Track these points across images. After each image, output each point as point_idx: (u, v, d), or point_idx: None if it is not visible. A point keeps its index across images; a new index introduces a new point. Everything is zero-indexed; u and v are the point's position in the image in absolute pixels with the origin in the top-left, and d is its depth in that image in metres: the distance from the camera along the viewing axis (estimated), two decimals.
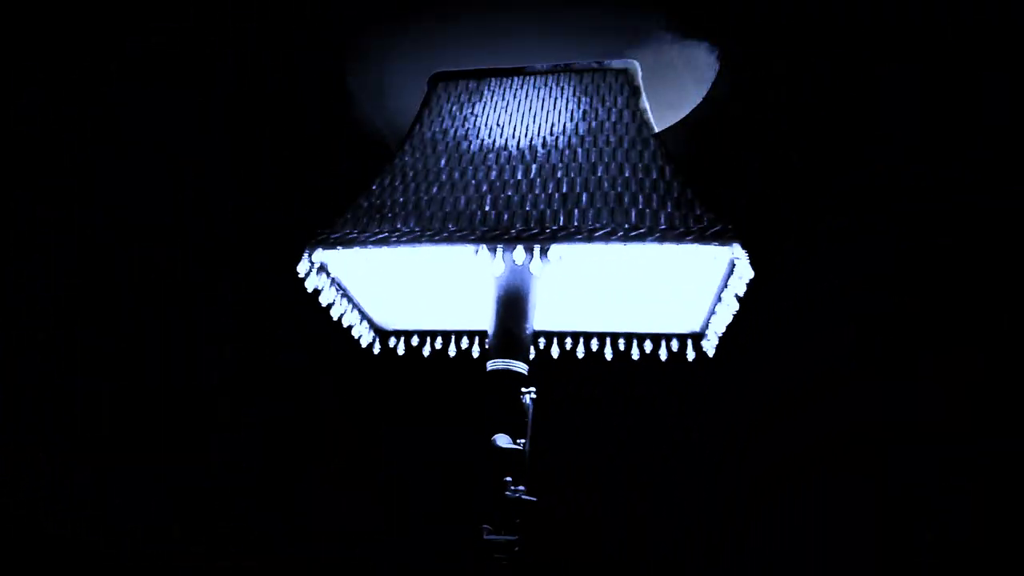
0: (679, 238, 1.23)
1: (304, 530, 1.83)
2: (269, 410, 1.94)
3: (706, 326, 1.56)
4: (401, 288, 1.64)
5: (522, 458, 1.29)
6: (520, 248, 1.27)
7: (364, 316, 1.66)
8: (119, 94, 2.01)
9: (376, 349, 1.73)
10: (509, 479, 1.27)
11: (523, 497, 1.26)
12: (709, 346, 1.57)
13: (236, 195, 2.00)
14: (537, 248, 1.28)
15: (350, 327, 1.62)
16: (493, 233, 1.29)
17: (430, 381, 1.82)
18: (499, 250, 1.31)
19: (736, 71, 1.70)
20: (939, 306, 1.73)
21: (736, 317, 1.42)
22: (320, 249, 1.36)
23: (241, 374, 1.97)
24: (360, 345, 1.68)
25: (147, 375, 1.93)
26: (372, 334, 1.71)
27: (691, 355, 1.60)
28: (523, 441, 1.30)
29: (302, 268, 1.37)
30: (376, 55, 1.83)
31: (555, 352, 1.67)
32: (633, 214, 1.28)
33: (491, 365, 1.36)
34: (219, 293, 2.01)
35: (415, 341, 1.74)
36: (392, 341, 1.75)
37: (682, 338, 1.62)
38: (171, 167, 2.02)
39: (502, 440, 1.29)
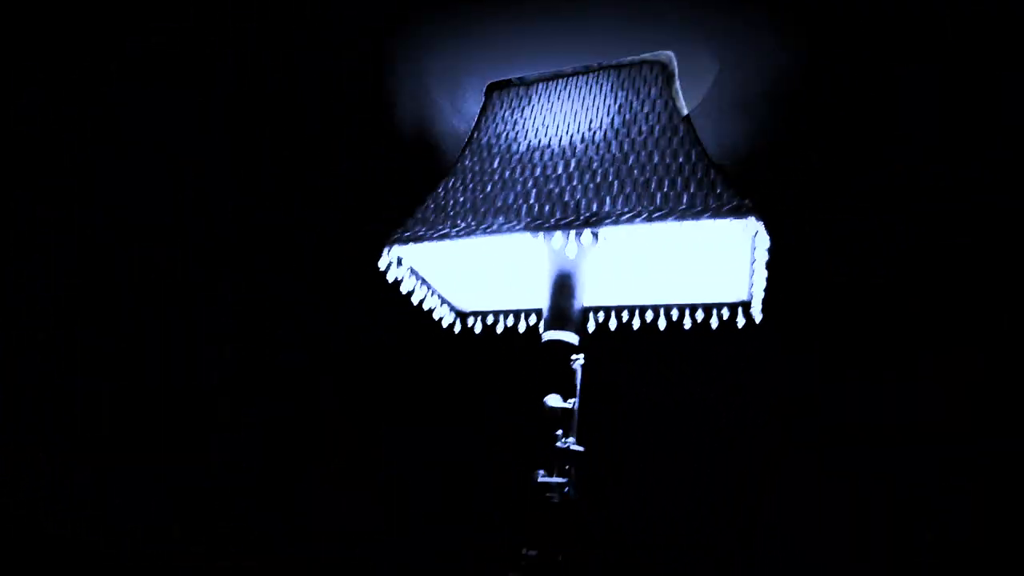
0: (697, 215, 1.37)
1: (304, 530, 1.83)
2: (269, 410, 1.92)
3: (751, 295, 1.68)
4: (478, 276, 1.87)
5: (571, 415, 1.49)
6: (558, 234, 1.46)
7: (444, 300, 1.91)
8: (119, 94, 1.98)
9: (456, 328, 1.98)
10: (560, 432, 1.47)
11: (572, 448, 1.46)
12: (756, 312, 1.69)
13: (236, 195, 2.03)
14: (572, 233, 1.46)
15: (432, 310, 1.88)
16: (535, 223, 1.48)
17: (431, 379, 1.95)
18: (541, 237, 1.50)
19: (754, 70, 1.78)
20: (940, 305, 1.72)
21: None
22: (396, 246, 1.62)
23: (241, 374, 1.97)
24: (442, 326, 1.94)
25: (147, 375, 1.89)
26: (453, 315, 1.96)
27: (741, 321, 1.72)
28: (573, 400, 1.50)
29: (383, 263, 1.63)
30: (406, 58, 1.94)
31: (612, 325, 1.84)
32: (659, 197, 1.43)
33: (545, 336, 1.56)
34: (219, 293, 2.01)
35: (490, 320, 1.97)
36: (471, 321, 1.98)
37: (732, 307, 1.74)
38: (171, 167, 2.01)
39: (553, 400, 1.50)
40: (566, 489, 1.44)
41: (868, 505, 1.67)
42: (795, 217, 1.91)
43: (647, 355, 1.92)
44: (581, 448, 1.48)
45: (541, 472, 1.45)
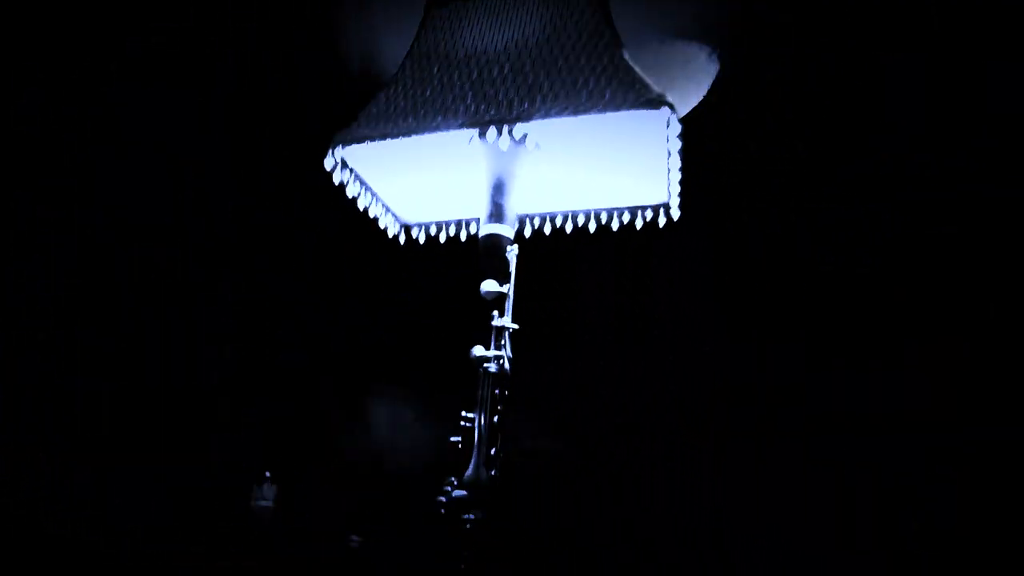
0: (616, 107, 1.51)
1: (304, 530, 1.84)
2: (269, 410, 1.97)
3: (670, 194, 1.84)
4: (419, 184, 1.98)
5: (506, 298, 1.62)
6: (492, 129, 1.59)
7: (388, 209, 2.02)
8: (119, 94, 2.01)
9: (401, 239, 2.09)
10: (495, 313, 1.61)
11: (507, 325, 1.60)
12: (674, 211, 1.85)
13: (236, 195, 2.10)
14: (506, 128, 1.58)
15: (376, 218, 1.98)
16: (471, 120, 1.60)
17: (433, 377, 2.03)
18: (475, 134, 1.62)
19: (740, 61, 1.83)
20: (926, 295, 1.75)
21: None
22: (340, 147, 1.71)
23: (241, 374, 2.01)
24: (387, 235, 2.04)
25: (147, 375, 1.91)
26: (398, 225, 2.07)
27: (663, 221, 1.88)
28: (508, 285, 1.63)
29: (328, 163, 1.72)
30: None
31: (547, 229, 1.98)
32: (584, 94, 1.56)
33: (482, 231, 1.68)
34: (219, 293, 2.05)
35: (433, 230, 2.08)
36: (415, 231, 2.10)
37: (655, 208, 1.90)
38: (171, 167, 2.06)
39: (489, 284, 1.63)
40: (502, 361, 1.58)
41: (854, 494, 1.68)
42: (780, 206, 1.94)
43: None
44: (515, 325, 1.62)
45: (480, 347, 1.59)
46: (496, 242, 1.67)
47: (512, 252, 1.66)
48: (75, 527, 1.75)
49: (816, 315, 1.88)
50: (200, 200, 2.05)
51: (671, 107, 1.50)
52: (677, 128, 1.53)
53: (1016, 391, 1.67)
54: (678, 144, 1.55)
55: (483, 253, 1.67)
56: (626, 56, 1.63)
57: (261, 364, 1.99)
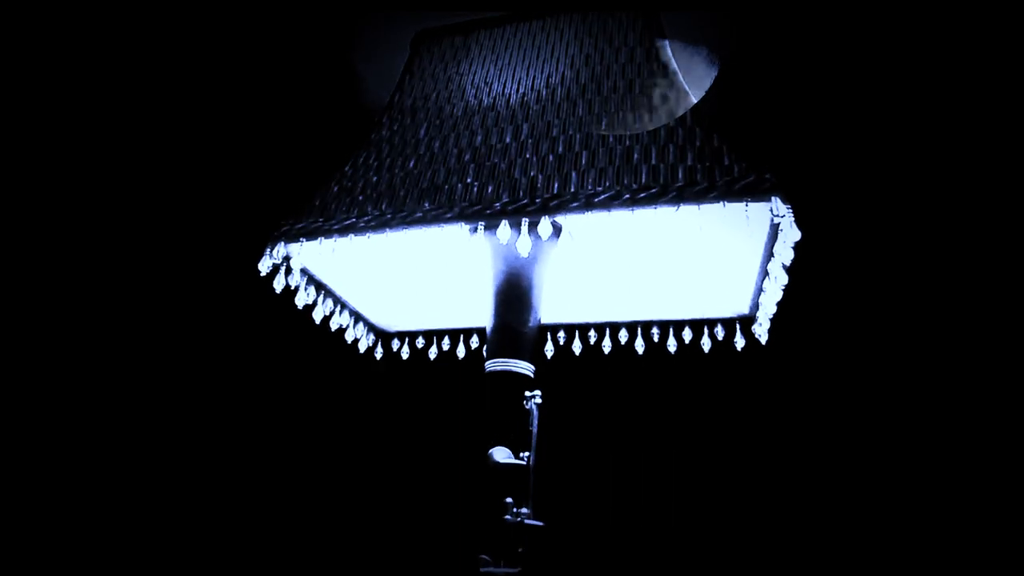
0: (700, 196, 0.99)
1: (304, 530, 1.78)
2: (269, 410, 1.85)
3: (756, 307, 1.32)
4: (403, 284, 1.47)
5: (525, 475, 1.09)
6: (505, 224, 1.07)
7: (359, 317, 1.50)
8: (119, 94, 1.90)
9: (378, 354, 1.57)
10: (510, 500, 1.07)
11: (527, 521, 1.07)
12: (761, 331, 1.33)
13: (236, 192, 1.84)
14: (525, 223, 1.07)
15: (342, 330, 1.46)
16: (474, 210, 1.09)
17: (434, 379, 1.64)
18: (481, 230, 1.11)
19: (729, 62, 1.44)
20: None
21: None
22: (283, 243, 1.20)
23: (241, 374, 1.86)
24: (358, 350, 1.52)
25: (146, 375, 1.86)
26: (371, 337, 1.55)
27: (740, 343, 1.36)
28: (527, 454, 1.10)
29: (264, 266, 1.21)
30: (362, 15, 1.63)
31: (577, 348, 1.46)
32: (644, 172, 1.05)
33: (489, 366, 1.16)
34: (217, 294, 1.90)
35: (420, 343, 1.56)
36: (395, 344, 1.58)
37: (728, 323, 1.38)
38: (170, 167, 1.88)
39: (501, 454, 1.10)
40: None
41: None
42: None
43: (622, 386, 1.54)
44: (539, 523, 1.08)
45: (484, 558, 1.05)
46: (509, 386, 1.15)
47: (534, 400, 1.13)
48: (75, 527, 1.74)
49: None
50: (199, 196, 1.89)
51: (785, 199, 0.99)
52: (791, 231, 1.02)
53: None
54: (793, 235, 1.03)
55: (491, 402, 1.14)
56: (706, 113, 1.12)
57: (261, 363, 1.86)
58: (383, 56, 1.57)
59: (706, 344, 1.38)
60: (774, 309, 1.25)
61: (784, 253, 1.06)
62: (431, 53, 1.39)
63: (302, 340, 1.56)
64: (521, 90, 1.24)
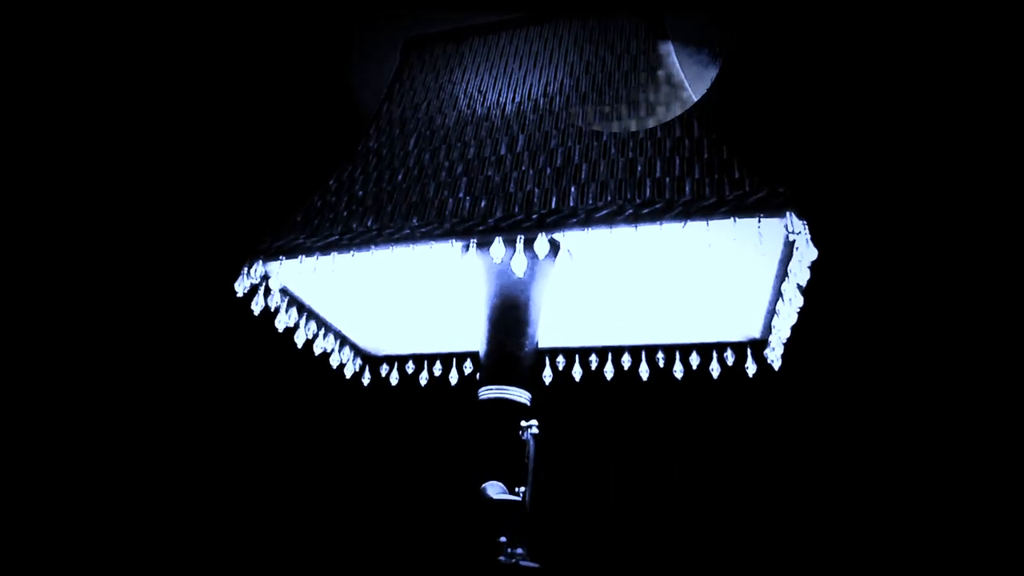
0: (708, 211, 0.94)
1: (304, 529, 1.75)
2: (269, 410, 1.83)
3: (768, 330, 1.26)
4: (387, 304, 1.41)
5: (521, 512, 1.03)
6: (499, 242, 1.02)
7: (344, 340, 1.44)
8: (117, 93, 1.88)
9: (365, 380, 1.51)
10: (504, 539, 1.02)
11: (522, 563, 1.01)
12: (774, 356, 1.27)
13: (212, 207, 1.80)
14: (521, 240, 1.02)
15: (327, 354, 1.41)
16: (464, 226, 1.04)
17: (424, 407, 1.59)
18: (472, 245, 1.05)
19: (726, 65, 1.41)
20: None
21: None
22: (261, 261, 1.15)
23: (219, 402, 1.83)
24: (343, 376, 1.46)
25: (145, 374, 1.83)
26: (358, 362, 1.49)
27: (751, 369, 1.30)
28: (522, 490, 1.04)
29: (241, 286, 1.15)
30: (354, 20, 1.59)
31: (577, 374, 1.40)
32: (648, 185, 1.00)
33: (483, 393, 1.11)
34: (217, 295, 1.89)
35: (410, 368, 1.50)
36: (384, 369, 1.52)
37: (739, 347, 1.32)
38: (168, 170, 1.84)
39: (494, 490, 1.04)
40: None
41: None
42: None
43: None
44: (534, 564, 1.02)
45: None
46: (503, 415, 1.09)
47: (531, 431, 1.07)
48: (75, 527, 1.75)
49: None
50: (198, 195, 1.87)
51: (800, 214, 0.94)
52: (807, 249, 0.97)
53: None
54: (809, 254, 0.98)
55: (485, 432, 1.09)
56: (712, 124, 1.07)
57: (262, 364, 1.79)
58: (371, 63, 1.53)
59: (715, 370, 1.32)
60: (788, 333, 1.19)
61: (799, 273, 1.01)
62: (422, 60, 1.35)
63: (282, 365, 1.50)
64: (517, 99, 1.19)
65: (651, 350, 1.36)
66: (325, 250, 1.10)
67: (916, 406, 1.41)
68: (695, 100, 1.11)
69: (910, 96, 1.52)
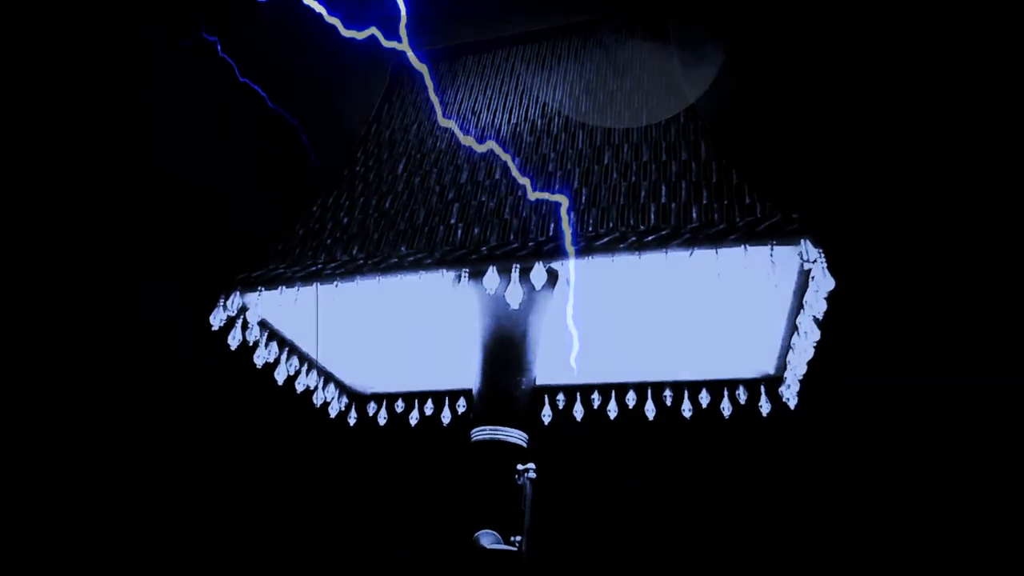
0: (717, 239, 0.92)
1: (304, 529, 1.73)
2: (247, 452, 1.81)
3: (783, 366, 1.23)
4: (375, 338, 1.38)
5: (517, 563, 0.99)
6: (492, 271, 0.99)
7: (329, 377, 1.41)
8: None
9: (351, 419, 1.47)
10: None
11: None
12: (790, 393, 1.24)
13: (186, 236, 1.79)
14: (516, 270, 0.99)
15: (310, 391, 1.37)
16: (456, 254, 1.01)
17: (414, 448, 1.56)
18: (465, 276, 1.03)
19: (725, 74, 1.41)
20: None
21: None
22: (238, 293, 1.12)
23: (241, 374, 1.81)
24: (327, 415, 1.43)
25: (144, 373, 1.83)
26: (344, 400, 1.45)
27: (765, 407, 1.27)
28: (518, 539, 1.00)
29: (216, 318, 1.12)
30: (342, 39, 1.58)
31: (578, 412, 1.36)
32: (653, 211, 0.98)
33: (476, 434, 1.07)
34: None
35: (400, 406, 1.47)
36: (371, 407, 1.48)
37: (751, 384, 1.29)
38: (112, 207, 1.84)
39: (488, 539, 1.01)
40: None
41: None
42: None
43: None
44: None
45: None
46: (498, 457, 1.05)
47: (528, 475, 1.04)
48: (75, 527, 1.76)
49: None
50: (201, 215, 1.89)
51: (816, 242, 0.91)
52: (824, 279, 0.94)
53: None
54: (826, 284, 0.95)
55: (479, 476, 1.05)
56: (723, 145, 1.05)
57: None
58: (359, 83, 1.51)
59: (726, 409, 1.29)
60: (804, 369, 1.16)
61: (816, 304, 0.98)
62: (413, 80, 1.33)
63: (261, 405, 1.47)
64: (513, 120, 1.17)
65: (658, 387, 1.33)
66: (307, 280, 1.07)
67: (946, 452, 1.37)
68: (702, 121, 1.09)
69: (933, 114, 1.51)
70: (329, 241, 1.13)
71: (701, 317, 1.23)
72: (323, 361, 1.38)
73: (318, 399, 1.39)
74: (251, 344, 1.21)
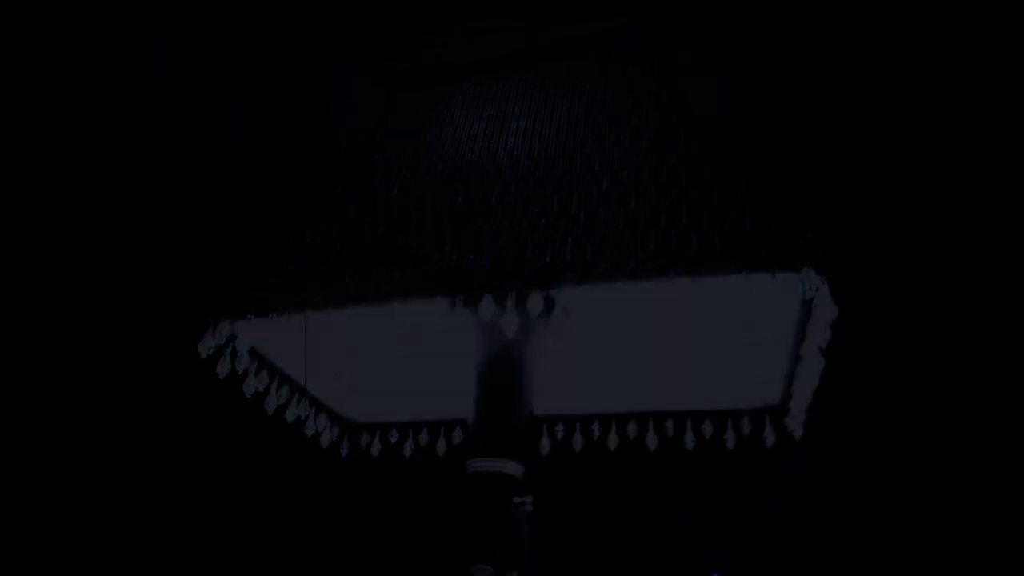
0: (718, 266, 0.93)
1: (305, 529, 1.76)
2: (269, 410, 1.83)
3: (787, 396, 1.24)
4: (368, 366, 1.39)
5: None
6: (488, 299, 1.00)
7: (321, 406, 1.42)
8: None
9: (343, 449, 1.48)
10: None
11: None
12: (795, 424, 1.25)
13: (173, 263, 1.81)
14: (512, 297, 1.00)
15: (301, 421, 1.38)
16: (452, 281, 1.03)
17: (408, 480, 1.57)
18: (460, 303, 1.04)
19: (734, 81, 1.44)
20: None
21: None
22: (227, 321, 1.13)
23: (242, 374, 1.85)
24: (319, 445, 1.43)
25: (144, 373, 1.85)
26: (335, 429, 1.46)
27: (770, 438, 1.27)
28: (515, 575, 1.01)
29: (205, 348, 1.13)
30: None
31: (577, 443, 1.37)
32: (652, 237, 1.00)
33: (472, 466, 1.08)
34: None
35: (393, 436, 1.47)
36: (364, 438, 1.49)
37: (755, 415, 1.30)
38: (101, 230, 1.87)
39: (484, 575, 1.01)
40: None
41: None
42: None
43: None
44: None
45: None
46: (494, 489, 1.06)
47: (525, 507, 1.05)
48: (75, 527, 1.81)
49: None
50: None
51: (820, 269, 0.92)
52: (828, 308, 0.95)
53: None
54: (829, 313, 0.96)
55: (474, 509, 1.06)
56: (725, 167, 1.07)
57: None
58: (352, 103, 1.54)
59: (730, 440, 1.30)
60: (809, 398, 1.17)
61: (819, 333, 0.99)
62: (408, 100, 1.36)
63: (251, 435, 1.48)
64: (510, 143, 1.20)
65: (659, 417, 1.34)
66: (298, 307, 1.09)
67: (957, 482, 1.38)
68: (704, 143, 1.11)
69: (942, 135, 1.53)
70: (320, 266, 1.14)
71: (703, 345, 1.24)
72: (314, 390, 1.39)
73: (309, 429, 1.40)
74: (241, 373, 1.22)
